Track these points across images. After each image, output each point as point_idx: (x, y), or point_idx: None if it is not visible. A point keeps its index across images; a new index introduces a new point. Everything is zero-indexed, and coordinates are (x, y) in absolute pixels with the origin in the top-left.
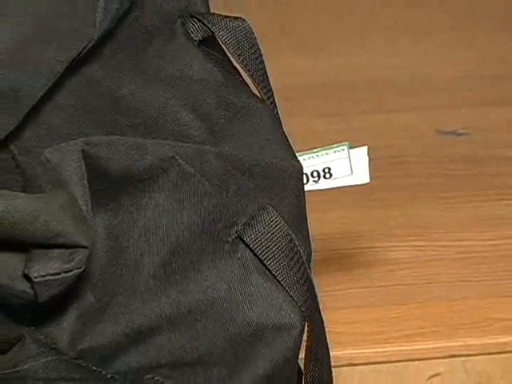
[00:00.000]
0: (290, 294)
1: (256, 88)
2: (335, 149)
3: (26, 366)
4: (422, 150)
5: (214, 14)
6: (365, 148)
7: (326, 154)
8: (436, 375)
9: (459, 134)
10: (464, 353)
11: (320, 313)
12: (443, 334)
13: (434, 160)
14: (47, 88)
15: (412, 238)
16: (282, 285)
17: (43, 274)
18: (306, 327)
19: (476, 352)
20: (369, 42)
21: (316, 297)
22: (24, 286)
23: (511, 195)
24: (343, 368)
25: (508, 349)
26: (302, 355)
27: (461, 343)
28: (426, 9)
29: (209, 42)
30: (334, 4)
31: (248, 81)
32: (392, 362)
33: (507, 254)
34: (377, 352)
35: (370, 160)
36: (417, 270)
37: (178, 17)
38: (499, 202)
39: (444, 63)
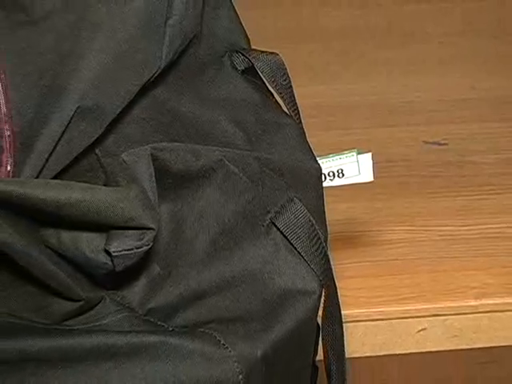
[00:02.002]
0: (311, 266)
1: (286, 107)
2: (346, 154)
3: (105, 321)
4: (411, 157)
5: (253, 49)
6: (370, 154)
7: (340, 158)
8: (422, 330)
9: (440, 144)
10: (444, 313)
11: (334, 281)
12: (427, 299)
13: (421, 164)
14: (124, 105)
15: (403, 224)
16: (304, 259)
17: (120, 249)
18: (323, 292)
19: (453, 312)
20: (370, 73)
21: (331, 269)
22: (105, 259)
23: (480, 192)
24: (350, 324)
25: (478, 310)
26: (320, 314)
27: (442, 305)
28: (415, 47)
29: (250, 71)
30: (341, 43)
31: (280, 102)
32: (388, 319)
33: (477, 236)
34: (376, 311)
35: (373, 163)
36: (407, 248)
37: (226, 51)
38: (471, 196)
39: (429, 90)
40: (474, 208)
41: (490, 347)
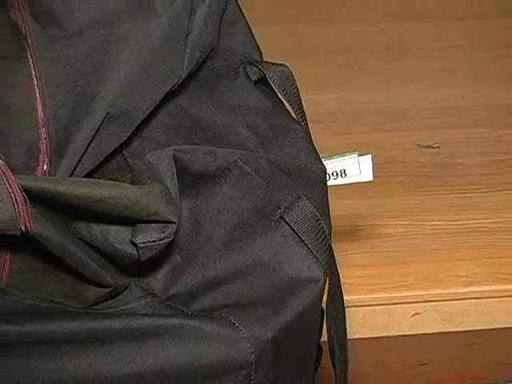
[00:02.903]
0: (317, 256)
1: (294, 113)
2: (348, 156)
3: (131, 305)
4: (407, 159)
5: (265, 61)
6: (370, 156)
7: (342, 159)
8: (416, 314)
9: (433, 148)
10: (435, 299)
11: (337, 270)
12: (420, 286)
13: (415, 165)
14: (149, 111)
15: (399, 219)
16: (310, 250)
17: (144, 241)
18: (328, 280)
19: (443, 299)
20: (370, 83)
21: (334, 258)
22: (131, 250)
23: (468, 190)
24: (351, 308)
25: (466, 297)
26: (324, 299)
27: (433, 292)
28: (411, 60)
29: (262, 81)
30: (344, 56)
31: (289, 108)
32: (385, 305)
33: (465, 230)
34: (374, 297)
35: (373, 164)
36: (402, 241)
37: (241, 63)
38: (460, 195)
39: (423, 99)
40: (463, 205)
41: (476, 330)
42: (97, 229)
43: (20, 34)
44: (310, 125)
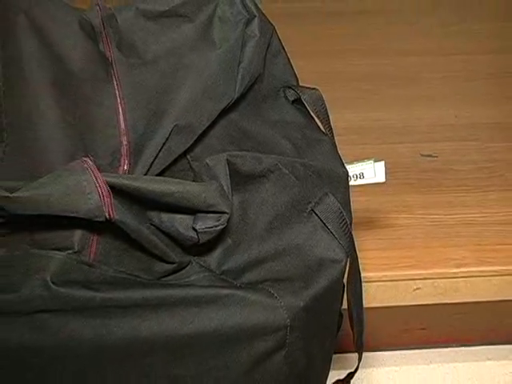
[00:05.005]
0: (340, 242)
1: (323, 128)
2: (366, 162)
3: (192, 278)
4: (412, 165)
5: (301, 86)
6: (383, 162)
7: (361, 165)
8: (417, 289)
9: (432, 156)
10: (433, 277)
11: (356, 253)
12: (421, 266)
13: (418, 170)
14: (208, 124)
15: (405, 213)
16: (335, 237)
17: (203, 227)
18: (348, 261)
19: (439, 277)
20: (382, 105)
21: (354, 244)
22: (193, 234)
23: (460, 190)
24: (366, 283)
25: (457, 276)
26: (345, 276)
27: (431, 272)
28: (415, 87)
29: (298, 102)
30: (361, 83)
31: (319, 124)
32: (392, 281)
33: (458, 222)
34: (384, 275)
35: (385, 169)
36: (407, 230)
37: (281, 87)
38: (453, 194)
39: (425, 118)
40: (456, 202)
41: (465, 302)
42: (165, 217)
43: (107, 62)
44: (335, 137)
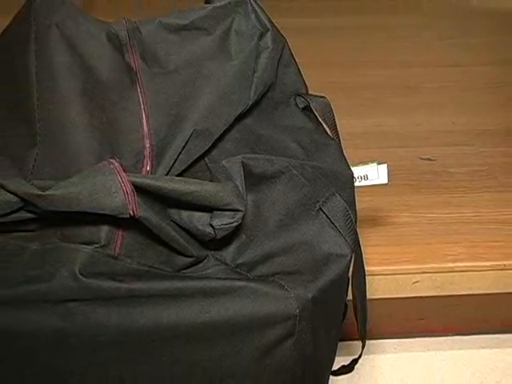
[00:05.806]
0: (346, 238)
1: (331, 133)
2: (370, 164)
3: (209, 271)
4: (412, 167)
5: (310, 94)
6: (385, 164)
7: (365, 167)
8: (416, 282)
9: (431, 160)
10: (430, 271)
11: (361, 248)
12: (420, 261)
13: (417, 172)
14: (224, 129)
15: (406, 212)
16: (341, 233)
17: (220, 224)
18: (353, 256)
19: (437, 271)
20: (385, 112)
21: (358, 240)
22: (210, 230)
23: (456, 191)
24: (369, 276)
25: (453, 270)
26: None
27: (429, 266)
28: (416, 96)
29: (307, 108)
30: (366, 92)
31: (327, 129)
32: (393, 274)
33: (454, 221)
34: (386, 269)
35: (388, 171)
36: (407, 228)
37: (292, 95)
38: (450, 194)
39: (424, 124)
40: (452, 202)
41: (460, 295)
42: (184, 214)
43: (132, 71)
44: (342, 141)
